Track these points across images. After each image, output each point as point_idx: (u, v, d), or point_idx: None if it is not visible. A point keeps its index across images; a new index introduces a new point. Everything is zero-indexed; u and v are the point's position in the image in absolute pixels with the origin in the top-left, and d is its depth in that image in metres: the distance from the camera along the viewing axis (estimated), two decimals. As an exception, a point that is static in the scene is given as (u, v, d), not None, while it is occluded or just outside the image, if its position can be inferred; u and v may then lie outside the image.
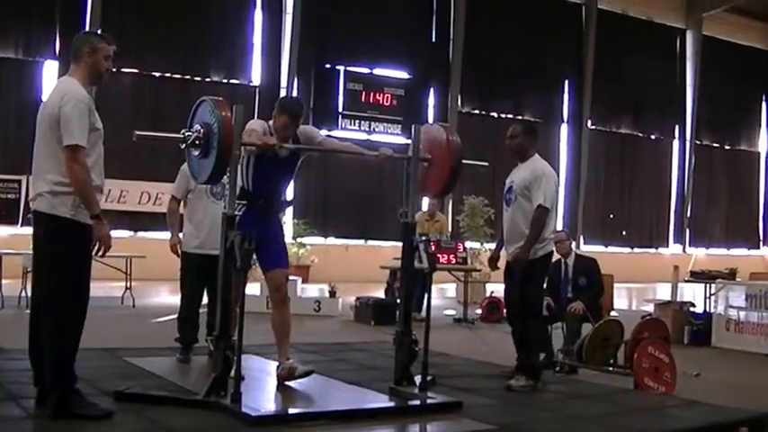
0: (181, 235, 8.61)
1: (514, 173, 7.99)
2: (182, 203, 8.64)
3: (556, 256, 8.86)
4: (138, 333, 11.66)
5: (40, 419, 5.64)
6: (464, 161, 7.16)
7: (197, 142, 6.15)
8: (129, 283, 16.00)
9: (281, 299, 7.17)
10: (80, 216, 5.66)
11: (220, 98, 6.21)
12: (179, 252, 8.56)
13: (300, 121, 7.13)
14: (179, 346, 8.37)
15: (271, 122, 7.01)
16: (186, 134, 6.20)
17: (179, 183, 8.48)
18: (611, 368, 8.90)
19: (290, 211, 24.74)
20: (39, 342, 5.75)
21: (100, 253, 5.75)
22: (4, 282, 14.86)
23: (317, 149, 7.58)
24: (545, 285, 8.53)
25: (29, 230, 6.05)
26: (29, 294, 6.66)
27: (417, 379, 6.84)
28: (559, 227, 12.91)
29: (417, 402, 6.62)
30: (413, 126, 7.27)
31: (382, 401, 6.76)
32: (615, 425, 6.25)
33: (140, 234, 24.14)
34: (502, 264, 8.16)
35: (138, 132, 6.26)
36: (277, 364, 7.19)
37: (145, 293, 17.28)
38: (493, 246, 9.02)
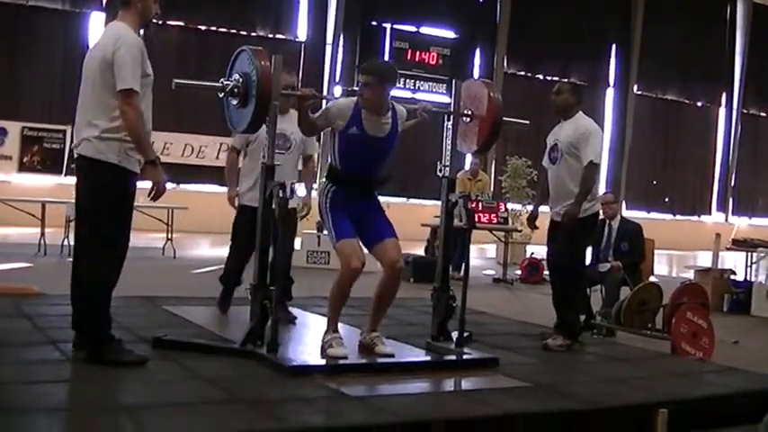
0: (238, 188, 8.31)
1: (557, 131, 7.84)
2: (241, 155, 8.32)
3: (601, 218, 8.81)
4: (177, 283, 11.73)
5: (78, 363, 5.71)
6: (505, 119, 7.12)
7: (235, 91, 6.12)
8: (170, 235, 16.13)
9: (395, 274, 6.61)
10: (126, 163, 5.64)
11: (259, 48, 6.17)
12: (236, 205, 8.28)
13: (387, 85, 6.47)
14: (217, 297, 8.31)
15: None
16: (225, 83, 6.19)
17: (239, 134, 8.02)
18: (648, 332, 8.87)
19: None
20: (80, 286, 5.80)
21: (153, 198, 5.74)
22: (47, 230, 15.03)
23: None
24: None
25: (72, 180, 6.04)
26: (71, 243, 6.70)
27: (454, 335, 6.84)
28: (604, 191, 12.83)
29: (453, 357, 6.64)
30: (454, 81, 7.22)
31: (418, 356, 6.76)
32: (651, 388, 6.21)
33: (183, 186, 24.26)
34: (540, 223, 8.10)
35: (177, 81, 6.21)
36: (362, 331, 6.84)
37: (186, 245, 17.42)
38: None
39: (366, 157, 6.53)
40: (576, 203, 7.50)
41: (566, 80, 8.01)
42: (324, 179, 6.61)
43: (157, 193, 5.74)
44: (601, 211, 8.36)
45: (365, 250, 6.58)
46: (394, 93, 6.64)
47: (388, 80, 6.47)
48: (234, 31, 25.29)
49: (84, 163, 5.73)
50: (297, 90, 6.96)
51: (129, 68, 5.54)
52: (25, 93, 23.16)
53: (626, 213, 29.85)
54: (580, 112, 7.83)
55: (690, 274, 14.55)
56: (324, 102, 7.66)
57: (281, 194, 6.01)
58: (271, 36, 25.78)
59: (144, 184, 5.76)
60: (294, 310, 8.13)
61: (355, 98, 6.49)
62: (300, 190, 8.37)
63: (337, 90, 26.22)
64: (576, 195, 7.52)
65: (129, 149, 5.63)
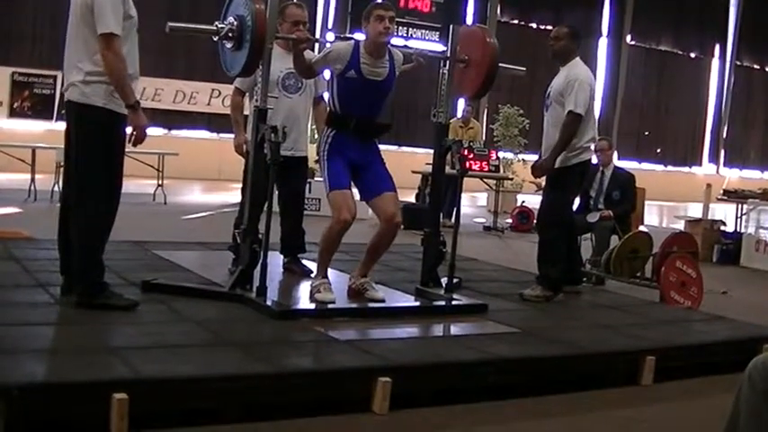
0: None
1: (555, 78, 7.57)
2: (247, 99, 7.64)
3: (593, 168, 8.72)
4: (168, 229, 11.70)
5: (66, 306, 5.70)
6: (501, 65, 7.07)
7: (230, 34, 6.10)
8: (161, 181, 16.08)
9: (391, 228, 6.48)
10: (113, 105, 5.57)
11: (255, -9, 6.13)
12: (245, 152, 7.49)
13: (385, 11, 6.55)
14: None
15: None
16: (219, 26, 6.16)
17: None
18: (638, 280, 8.90)
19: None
20: (68, 232, 5.78)
21: (133, 143, 5.71)
22: (37, 176, 15.00)
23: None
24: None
25: (63, 126, 5.98)
26: (61, 189, 6.70)
27: (444, 281, 6.85)
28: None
29: (442, 303, 6.67)
30: (451, 26, 7.16)
31: (408, 301, 6.79)
32: (639, 335, 6.24)
33: (174, 132, 24.03)
34: None
35: (171, 24, 6.18)
36: (351, 276, 6.77)
37: (176, 191, 17.37)
38: (526, 156, 8.76)
39: (364, 101, 6.49)
40: (550, 155, 7.30)
41: (564, 25, 7.68)
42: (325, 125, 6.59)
43: (137, 138, 5.68)
44: (594, 157, 8.22)
45: (358, 198, 6.57)
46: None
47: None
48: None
49: (72, 108, 5.69)
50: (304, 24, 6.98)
51: (110, 11, 5.46)
52: (15, 37, 22.96)
53: (617, 163, 29.98)
54: (576, 59, 7.54)
55: (680, 225, 14.57)
56: (317, 45, 7.62)
57: (272, 138, 5.98)
58: (262, -19, 25.49)
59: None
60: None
61: (353, 42, 6.48)
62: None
63: (330, 36, 26.02)
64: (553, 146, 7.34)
65: (114, 92, 5.56)
